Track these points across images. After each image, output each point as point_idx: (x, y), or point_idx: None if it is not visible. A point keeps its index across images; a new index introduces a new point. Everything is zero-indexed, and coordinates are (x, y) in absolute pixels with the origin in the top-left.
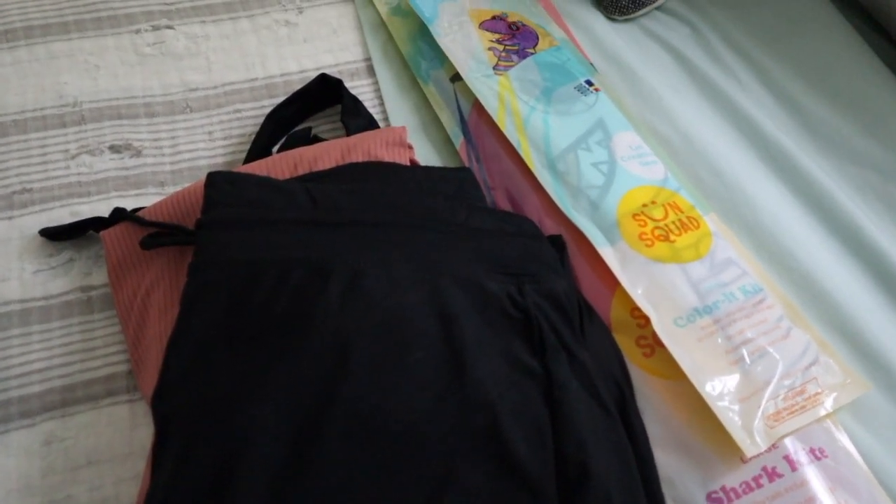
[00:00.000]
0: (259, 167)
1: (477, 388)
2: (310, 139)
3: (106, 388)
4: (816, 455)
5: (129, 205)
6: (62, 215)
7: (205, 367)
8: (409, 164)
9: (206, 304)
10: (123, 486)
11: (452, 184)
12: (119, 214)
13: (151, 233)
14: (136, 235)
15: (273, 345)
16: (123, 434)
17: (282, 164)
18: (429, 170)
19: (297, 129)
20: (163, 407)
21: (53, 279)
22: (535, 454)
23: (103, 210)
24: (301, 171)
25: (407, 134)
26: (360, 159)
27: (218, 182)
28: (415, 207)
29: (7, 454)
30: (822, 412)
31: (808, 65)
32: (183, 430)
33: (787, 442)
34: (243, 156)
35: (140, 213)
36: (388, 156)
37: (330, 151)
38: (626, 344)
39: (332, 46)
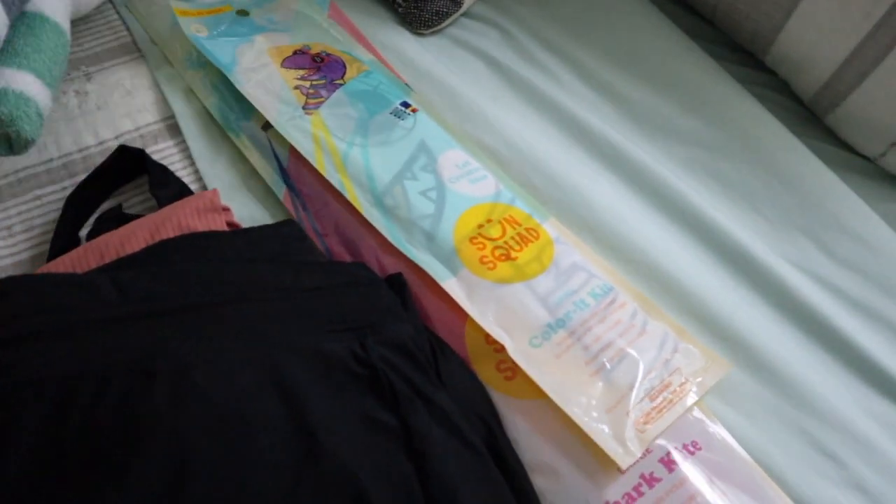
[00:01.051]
0: (63, 264)
1: (333, 460)
2: (121, 218)
3: None
4: (690, 450)
5: None
6: None
7: (32, 499)
8: (226, 228)
9: (17, 433)
10: None
11: (275, 242)
12: None
13: None
14: None
15: (102, 464)
16: None
17: (87, 257)
18: (247, 232)
19: (104, 209)
20: None
21: None
22: None
23: None
24: (109, 259)
25: (219, 196)
26: (172, 234)
27: (10, 291)
28: (237, 279)
29: None
30: (690, 401)
31: (621, 52)
32: None
33: (661, 443)
34: (46, 247)
35: None
36: (201, 225)
37: (137, 232)
38: (486, 371)
39: (130, 109)
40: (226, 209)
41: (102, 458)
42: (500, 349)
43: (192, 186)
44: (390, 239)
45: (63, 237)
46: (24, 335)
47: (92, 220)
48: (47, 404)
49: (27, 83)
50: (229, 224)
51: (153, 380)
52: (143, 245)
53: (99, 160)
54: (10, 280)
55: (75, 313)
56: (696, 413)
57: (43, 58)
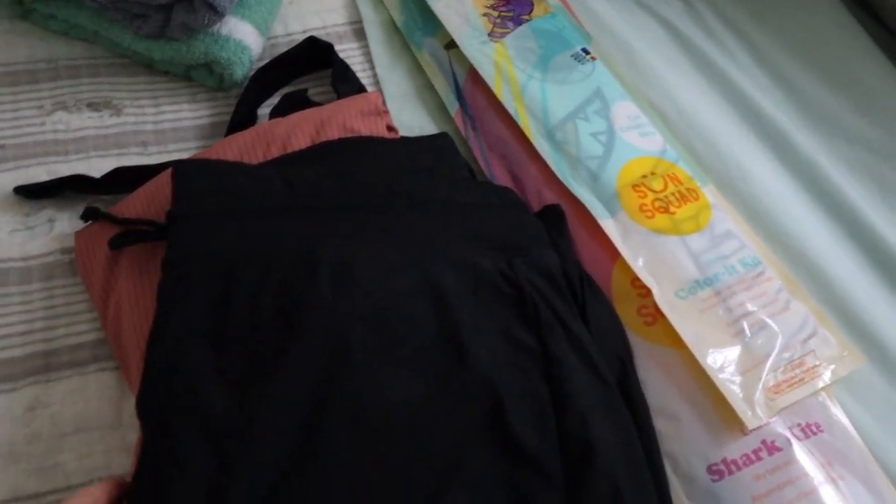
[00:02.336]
0: (231, 148)
1: (477, 370)
2: (305, 101)
3: (93, 353)
4: (813, 430)
5: (110, 165)
6: (39, 173)
7: (190, 369)
8: (385, 132)
9: (184, 301)
10: (114, 455)
11: (430, 154)
12: (91, 213)
13: (120, 231)
14: (109, 233)
15: (263, 344)
16: (112, 403)
17: (255, 146)
18: (406, 141)
19: (291, 90)
20: (149, 410)
21: (32, 240)
22: (539, 434)
23: (82, 170)
24: (275, 151)
25: (381, 100)
26: (335, 134)
27: (186, 171)
28: (396, 186)
29: None
30: (821, 384)
31: (801, 42)
32: (172, 437)
33: (785, 417)
34: (227, 116)
35: (112, 210)
36: (363, 127)
37: (302, 125)
38: (627, 313)
39: (319, 8)
40: (385, 112)
41: (264, 335)
42: (645, 294)
43: (369, 90)
44: (556, 171)
45: (243, 110)
46: (197, 212)
47: (274, 99)
48: (215, 278)
49: (246, 33)
50: (388, 127)
51: (316, 268)
52: (307, 140)
53: (283, 49)
54: (186, 163)
55: (245, 199)
56: (823, 398)
57: (262, 10)
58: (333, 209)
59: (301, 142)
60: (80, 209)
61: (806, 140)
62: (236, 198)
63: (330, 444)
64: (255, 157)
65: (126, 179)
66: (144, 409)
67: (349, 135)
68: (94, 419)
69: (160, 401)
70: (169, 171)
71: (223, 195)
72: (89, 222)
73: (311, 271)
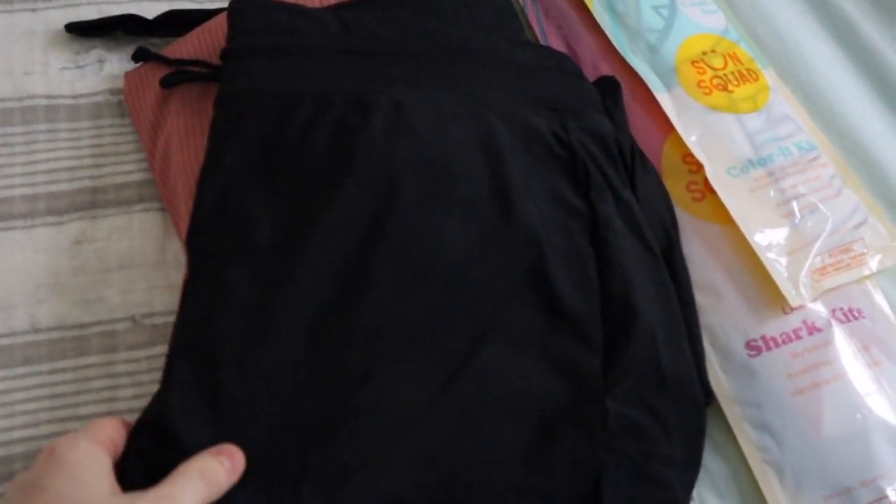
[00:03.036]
0: None
1: (524, 226)
2: None
3: (139, 193)
4: (855, 315)
5: (163, 9)
6: (90, 13)
7: (240, 203)
8: None
9: (237, 137)
10: (156, 292)
11: (491, 13)
12: (142, 54)
13: (173, 70)
14: (160, 75)
15: (314, 181)
16: (156, 242)
17: None
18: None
19: None
20: (197, 243)
21: (81, 78)
22: (580, 293)
23: (135, 12)
24: None
25: None
26: None
27: (243, 9)
28: (454, 39)
29: (35, 249)
30: (867, 271)
31: None
32: (219, 266)
33: (827, 300)
34: None
35: (164, 52)
36: None
37: None
38: (676, 188)
39: None
40: None
41: (315, 173)
42: (695, 171)
43: None
44: (614, 42)
45: None
46: (253, 49)
47: None
48: (269, 115)
49: None
50: None
51: (370, 111)
52: None
53: None
54: (243, 1)
55: (302, 38)
56: (866, 286)
57: None
58: (390, 54)
59: None
60: (131, 51)
61: (874, 32)
62: (293, 37)
63: (374, 284)
64: (312, 2)
65: (180, 22)
66: (193, 241)
67: None
68: (138, 256)
69: (209, 234)
70: (224, 14)
71: (280, 34)
72: (140, 63)
73: (365, 113)
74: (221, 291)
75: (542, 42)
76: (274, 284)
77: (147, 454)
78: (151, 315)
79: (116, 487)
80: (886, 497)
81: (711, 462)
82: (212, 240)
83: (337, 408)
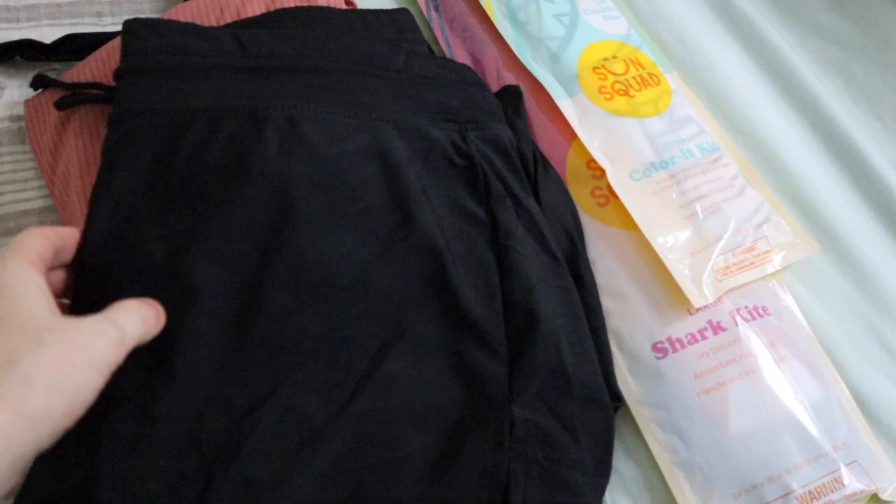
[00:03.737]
0: (183, 13)
1: (423, 235)
2: None
3: (39, 219)
4: (760, 312)
5: (63, 34)
6: None
7: (132, 222)
8: (343, 5)
9: (128, 156)
10: None
11: (390, 27)
12: (41, 81)
13: (68, 94)
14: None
15: (207, 197)
16: None
17: (207, 11)
18: (365, 13)
19: None
20: (86, 264)
21: None
22: (483, 301)
23: (33, 37)
24: (228, 18)
25: None
26: (292, 3)
27: (136, 29)
28: (352, 52)
29: None
30: (771, 269)
31: None
32: (110, 287)
33: (733, 299)
34: None
35: (64, 76)
36: None
37: None
38: (580, 194)
39: None
40: None
41: (208, 189)
42: (599, 176)
43: None
44: (516, 51)
45: None
46: (145, 70)
47: None
48: (162, 132)
49: None
50: (347, 2)
51: (264, 126)
52: (262, 7)
53: None
54: (136, 21)
55: (195, 57)
56: (773, 284)
57: None
58: (286, 70)
59: (255, 9)
60: (31, 77)
61: (776, 32)
62: (186, 56)
63: (273, 298)
64: (208, 22)
65: (78, 47)
66: (82, 261)
67: (306, 4)
68: None
69: (99, 254)
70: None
71: (173, 53)
72: (39, 90)
73: (258, 128)
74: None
75: (448, 54)
76: (170, 303)
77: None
78: None
79: (55, 307)
80: (793, 492)
81: (623, 465)
82: (102, 260)
83: (241, 424)
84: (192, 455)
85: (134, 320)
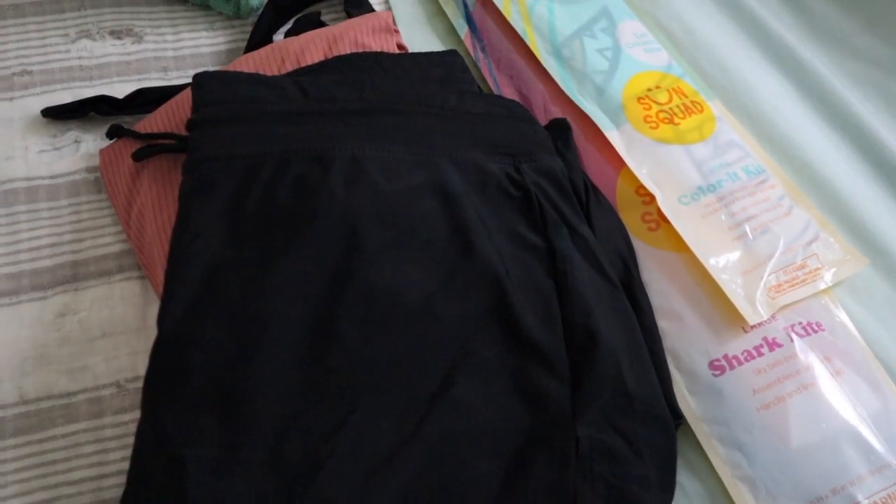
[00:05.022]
0: (247, 63)
1: (483, 263)
2: (318, 24)
3: (118, 263)
4: (814, 328)
5: (132, 90)
6: (64, 97)
7: (209, 261)
8: (395, 49)
9: (203, 199)
10: (140, 357)
11: (441, 68)
12: (116, 131)
13: (144, 145)
14: (133, 149)
15: (279, 236)
16: (137, 308)
17: (269, 61)
18: (416, 56)
19: (304, 13)
20: (169, 305)
21: (59, 160)
22: (543, 325)
23: (105, 93)
24: (289, 66)
25: (392, 18)
26: (347, 49)
27: (206, 82)
28: (407, 93)
29: (21, 324)
30: (822, 286)
31: None
32: (192, 323)
33: (787, 316)
34: (244, 43)
35: (136, 127)
36: (374, 44)
37: (316, 42)
38: (631, 220)
39: None
40: (396, 31)
41: (279, 227)
42: (649, 202)
43: None
44: (562, 86)
45: (259, 34)
46: (216, 118)
47: (289, 25)
48: (234, 176)
49: None
50: (398, 46)
51: (330, 166)
52: (320, 55)
53: None
54: (205, 74)
55: (262, 104)
56: (825, 301)
57: None
58: (346, 113)
59: (314, 56)
60: (105, 130)
61: (813, 57)
62: (253, 104)
63: (343, 330)
64: (270, 71)
65: (148, 100)
66: (165, 302)
67: (361, 50)
68: (120, 324)
69: (181, 296)
70: (189, 88)
71: (241, 102)
72: (114, 140)
73: (324, 168)
74: (195, 347)
75: (496, 92)
76: (247, 336)
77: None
78: (136, 379)
79: None
80: (858, 503)
81: (686, 481)
82: (183, 300)
83: (318, 450)
84: (273, 478)
85: None
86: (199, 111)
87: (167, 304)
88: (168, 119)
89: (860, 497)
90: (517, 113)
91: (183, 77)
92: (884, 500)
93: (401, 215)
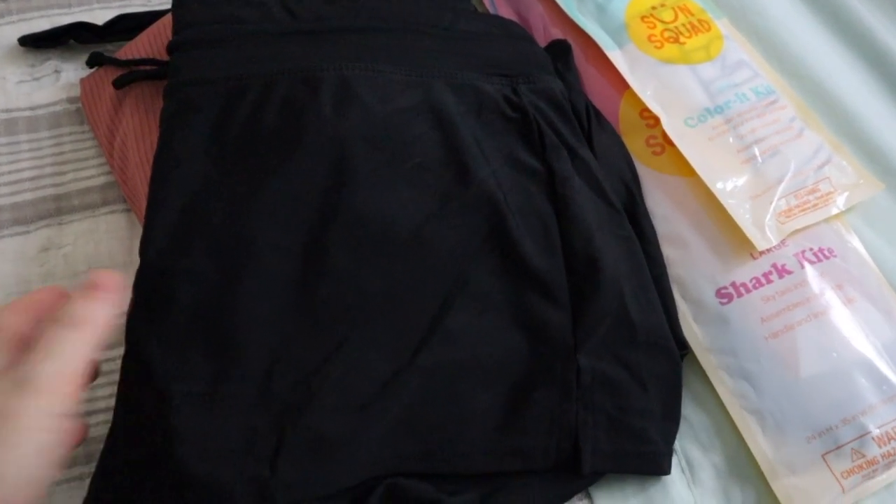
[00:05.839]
0: None
1: (480, 188)
2: None
3: (102, 196)
4: (826, 254)
5: (113, 14)
6: (42, 25)
7: (193, 187)
8: None
9: (186, 124)
10: (126, 292)
11: None
12: (96, 59)
13: (125, 72)
14: (114, 77)
15: (266, 160)
16: (123, 243)
17: None
18: None
19: None
20: (152, 232)
21: (38, 90)
22: (543, 251)
23: (85, 19)
24: None
25: None
26: None
27: (186, 2)
28: (398, 12)
29: (3, 259)
30: (835, 210)
31: None
32: (178, 250)
33: (797, 241)
34: None
35: (117, 54)
36: None
37: None
38: (635, 144)
39: None
40: None
41: (266, 151)
42: (653, 125)
43: None
44: (562, 4)
45: None
46: (197, 41)
47: None
48: (217, 100)
49: None
50: None
51: (318, 87)
52: None
53: None
54: None
55: (245, 25)
56: (837, 226)
57: None
58: (335, 32)
59: None
60: (86, 58)
61: None
62: (237, 25)
63: (335, 256)
64: None
65: (130, 26)
66: (147, 230)
67: None
68: (106, 258)
69: (163, 218)
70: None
71: (223, 23)
72: (95, 68)
73: (313, 89)
74: (179, 278)
75: (493, 13)
76: (233, 266)
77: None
78: (122, 314)
79: None
80: (869, 433)
81: (692, 414)
82: (166, 228)
83: (309, 382)
84: (263, 412)
85: (60, 348)
86: (178, 33)
87: (149, 232)
88: (151, 44)
89: (871, 426)
90: (515, 32)
91: (166, 2)
92: (895, 430)
93: (393, 138)
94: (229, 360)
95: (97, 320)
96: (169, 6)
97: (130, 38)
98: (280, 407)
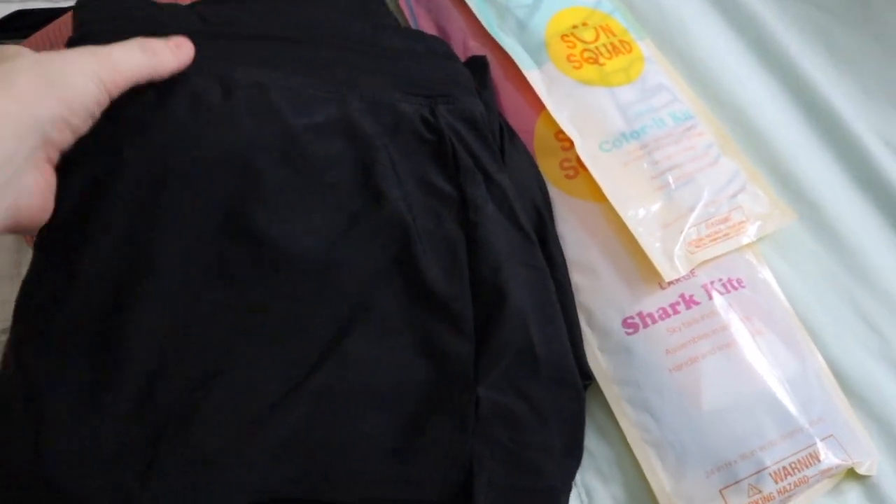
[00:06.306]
0: None
1: (390, 211)
2: None
3: None
4: (734, 285)
5: (12, 9)
6: None
7: (88, 183)
8: None
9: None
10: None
11: (356, 1)
12: None
13: None
14: None
15: (168, 164)
16: (10, 256)
17: None
18: None
19: None
20: (46, 242)
21: None
22: (449, 278)
23: None
24: None
25: None
26: None
27: (90, 1)
28: (318, 24)
29: None
30: (745, 240)
31: None
32: (69, 254)
33: (707, 271)
34: None
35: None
36: None
37: None
38: (549, 166)
39: None
40: None
41: (171, 147)
42: (568, 147)
43: None
44: (481, 20)
45: None
46: (101, 34)
47: None
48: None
49: None
50: None
51: (232, 89)
52: None
53: None
54: None
55: (154, 26)
56: (749, 256)
57: None
58: (250, 39)
59: None
60: None
61: None
62: (144, 25)
63: (232, 272)
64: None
65: (29, 23)
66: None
67: None
68: None
69: (59, 230)
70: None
71: (130, 23)
72: None
73: (226, 91)
74: (72, 276)
75: (413, 25)
76: (127, 271)
77: None
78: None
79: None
80: (766, 468)
81: (594, 445)
82: (60, 226)
83: (193, 396)
84: (139, 426)
85: (131, 55)
86: (82, 27)
87: (43, 228)
88: (50, 43)
89: (768, 462)
90: (438, 50)
91: (71, 0)
92: (792, 465)
93: (305, 154)
94: (112, 367)
95: (163, 64)
96: (71, 4)
97: (28, 36)
98: (160, 420)
